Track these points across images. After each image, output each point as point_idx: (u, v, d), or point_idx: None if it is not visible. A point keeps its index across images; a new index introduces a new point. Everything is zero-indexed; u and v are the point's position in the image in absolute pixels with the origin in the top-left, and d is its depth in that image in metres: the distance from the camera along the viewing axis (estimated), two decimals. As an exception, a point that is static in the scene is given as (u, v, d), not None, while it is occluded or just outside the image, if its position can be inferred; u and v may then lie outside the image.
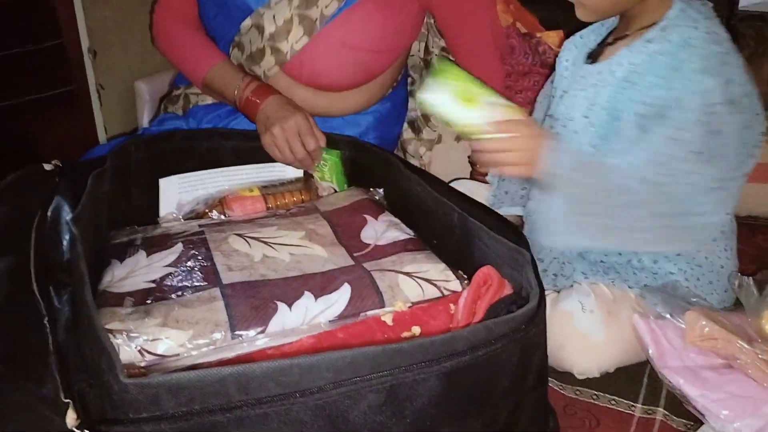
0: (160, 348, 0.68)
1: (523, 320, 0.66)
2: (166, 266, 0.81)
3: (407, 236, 0.91)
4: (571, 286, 0.95)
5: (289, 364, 0.57)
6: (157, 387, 0.53)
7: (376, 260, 0.85)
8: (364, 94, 1.25)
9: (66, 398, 0.57)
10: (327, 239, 0.90)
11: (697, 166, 0.80)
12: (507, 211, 1.16)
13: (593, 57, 0.97)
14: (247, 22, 1.13)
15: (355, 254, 0.87)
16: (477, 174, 1.30)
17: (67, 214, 0.84)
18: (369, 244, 0.89)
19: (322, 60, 1.15)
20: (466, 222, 0.84)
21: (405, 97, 1.38)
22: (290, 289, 0.77)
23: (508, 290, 0.73)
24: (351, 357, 0.58)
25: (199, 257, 0.82)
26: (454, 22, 1.24)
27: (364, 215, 0.96)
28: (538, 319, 0.67)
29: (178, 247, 0.85)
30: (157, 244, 0.86)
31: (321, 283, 0.79)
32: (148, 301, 0.74)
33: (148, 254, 0.84)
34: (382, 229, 0.92)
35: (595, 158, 0.87)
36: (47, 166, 0.89)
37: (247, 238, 0.87)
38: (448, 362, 0.62)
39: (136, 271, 0.80)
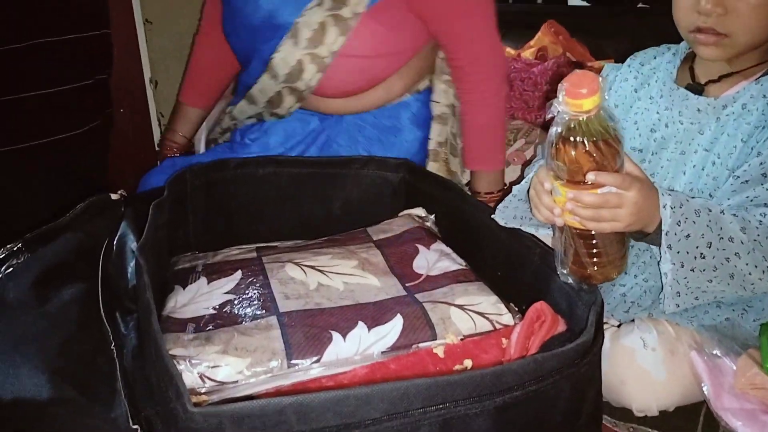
0: (220, 375, 0.70)
1: (574, 356, 0.66)
2: (226, 293, 0.84)
3: (459, 267, 0.92)
4: (633, 321, 0.95)
5: (345, 395, 0.58)
6: (221, 416, 0.56)
7: (428, 291, 0.86)
8: (381, 94, 1.24)
9: (134, 424, 0.60)
10: (379, 268, 0.92)
11: None
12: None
13: (693, 90, 0.92)
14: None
15: (407, 284, 0.88)
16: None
17: (131, 242, 0.88)
18: (421, 275, 0.90)
19: (330, 75, 1.17)
20: (546, 259, 0.83)
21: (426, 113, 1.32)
22: (344, 318, 0.79)
23: (561, 327, 0.73)
24: (404, 389, 0.60)
25: (257, 285, 0.85)
26: (442, 31, 1.21)
27: (416, 244, 0.97)
28: (592, 355, 0.67)
29: (238, 275, 0.88)
30: (217, 271, 0.89)
31: (374, 314, 0.80)
32: (209, 328, 0.77)
33: (209, 281, 0.87)
34: (434, 259, 0.94)
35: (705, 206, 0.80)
36: (114, 196, 0.93)
37: (302, 267, 0.89)
38: (500, 397, 0.63)
39: (198, 298, 0.83)
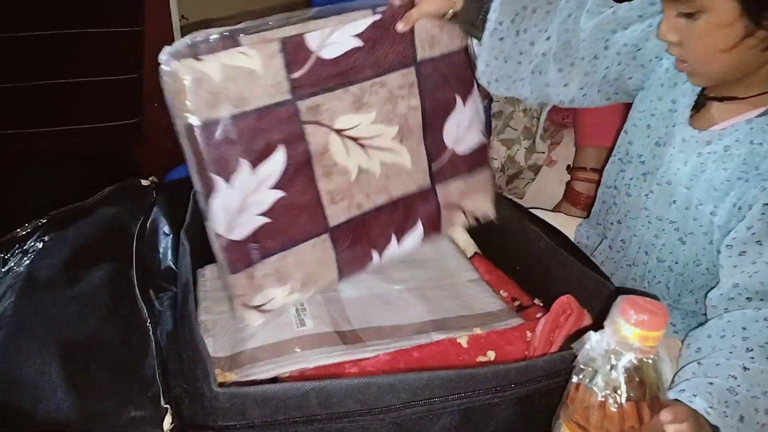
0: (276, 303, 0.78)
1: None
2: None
3: (482, 143, 0.92)
4: None
5: (367, 382, 0.59)
6: (245, 397, 0.57)
7: (446, 181, 0.89)
8: None
9: (166, 403, 0.62)
10: (415, 137, 0.87)
11: None
12: None
13: (696, 104, 0.84)
14: None
15: (432, 165, 0.88)
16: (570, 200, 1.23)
17: (164, 225, 0.89)
18: (446, 148, 0.89)
19: None
20: (552, 250, 0.83)
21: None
22: (381, 228, 0.85)
23: (587, 321, 0.73)
24: (427, 379, 0.60)
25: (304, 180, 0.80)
26: None
27: (455, 95, 0.89)
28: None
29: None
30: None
31: (402, 218, 0.87)
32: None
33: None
34: (464, 125, 0.90)
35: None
36: (144, 182, 0.95)
37: (344, 137, 0.81)
38: (522, 389, 0.63)
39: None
